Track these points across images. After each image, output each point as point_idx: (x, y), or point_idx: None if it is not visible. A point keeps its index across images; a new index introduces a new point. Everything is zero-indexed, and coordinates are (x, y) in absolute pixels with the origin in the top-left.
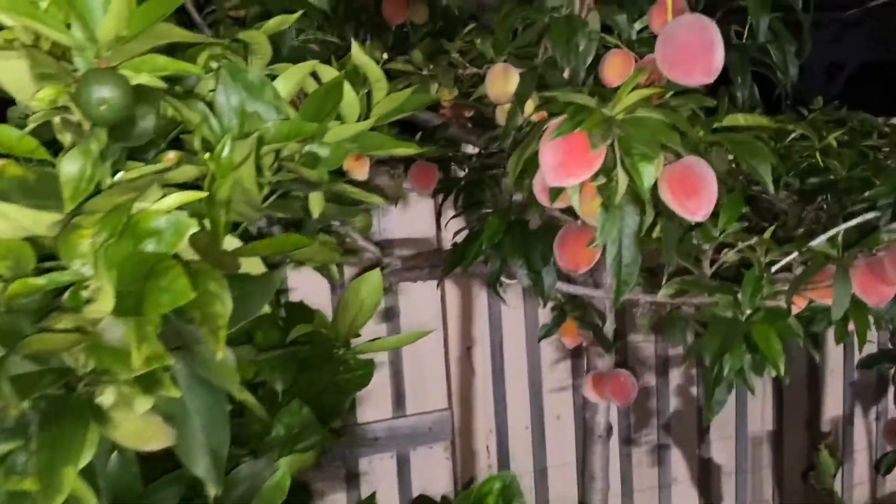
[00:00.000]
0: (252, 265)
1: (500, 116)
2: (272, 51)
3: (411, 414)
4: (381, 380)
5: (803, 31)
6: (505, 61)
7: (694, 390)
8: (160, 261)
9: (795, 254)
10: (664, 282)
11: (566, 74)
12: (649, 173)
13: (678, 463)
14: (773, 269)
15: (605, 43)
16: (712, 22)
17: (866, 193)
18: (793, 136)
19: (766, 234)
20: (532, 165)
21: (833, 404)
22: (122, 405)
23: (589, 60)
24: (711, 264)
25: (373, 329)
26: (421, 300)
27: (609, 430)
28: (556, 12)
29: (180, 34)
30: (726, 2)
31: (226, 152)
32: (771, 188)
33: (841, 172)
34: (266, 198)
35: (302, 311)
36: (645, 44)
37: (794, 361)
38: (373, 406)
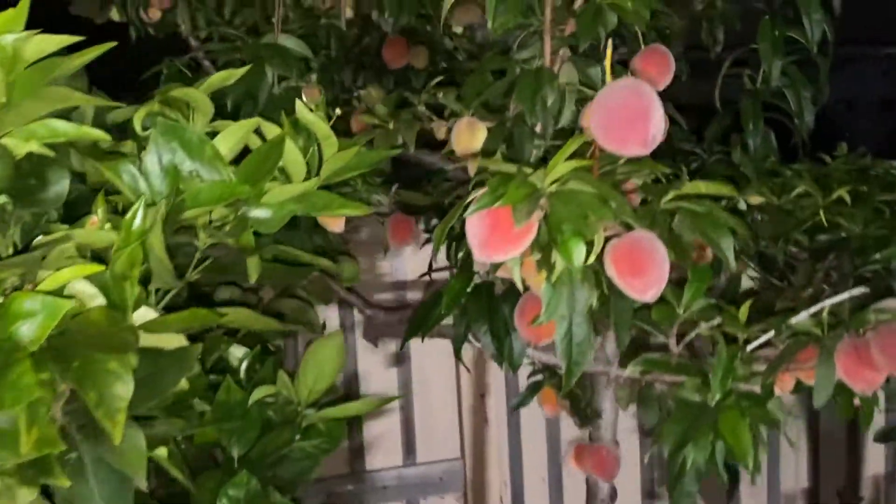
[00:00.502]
0: (171, 339)
1: (471, 170)
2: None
3: (422, 462)
4: (391, 426)
5: (820, 75)
6: (473, 115)
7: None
8: (11, 352)
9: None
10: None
11: (538, 129)
12: (579, 252)
13: None
14: (751, 346)
15: (584, 96)
16: (649, 87)
17: (877, 255)
18: (797, 191)
19: (742, 312)
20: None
21: (874, 461)
22: (2, 496)
23: (562, 114)
24: (683, 337)
25: (384, 374)
26: (432, 344)
27: (613, 494)
28: (528, 64)
29: (78, 98)
30: (738, 45)
31: (137, 220)
32: (732, 263)
33: (854, 229)
34: (202, 261)
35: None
36: None
37: (833, 414)
38: (382, 453)
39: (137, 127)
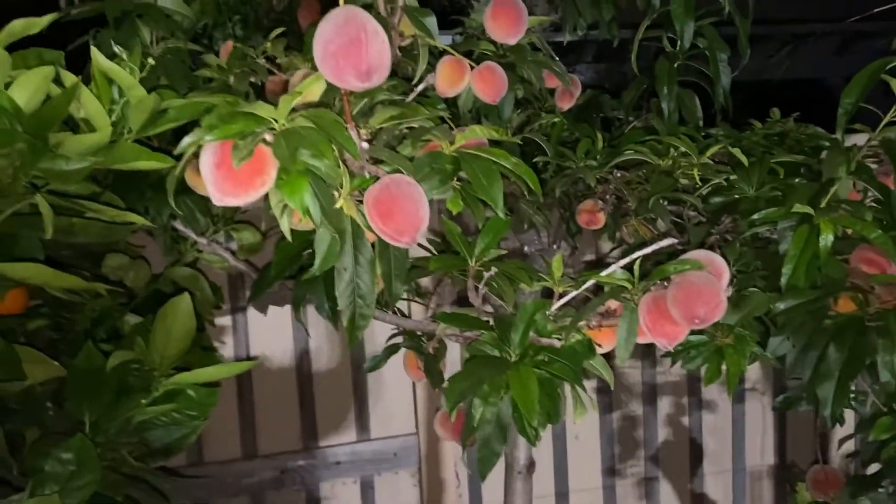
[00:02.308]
0: None
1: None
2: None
3: (376, 438)
4: (343, 402)
5: (739, 40)
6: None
7: (686, 420)
8: None
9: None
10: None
11: None
12: (307, 195)
13: (668, 497)
14: (559, 302)
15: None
16: (363, 12)
17: (758, 214)
18: (674, 153)
19: (555, 264)
20: None
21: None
22: None
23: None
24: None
25: (335, 349)
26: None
27: (531, 465)
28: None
29: None
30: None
31: None
32: (500, 212)
33: (746, 190)
34: None
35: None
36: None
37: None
38: (335, 429)
39: None
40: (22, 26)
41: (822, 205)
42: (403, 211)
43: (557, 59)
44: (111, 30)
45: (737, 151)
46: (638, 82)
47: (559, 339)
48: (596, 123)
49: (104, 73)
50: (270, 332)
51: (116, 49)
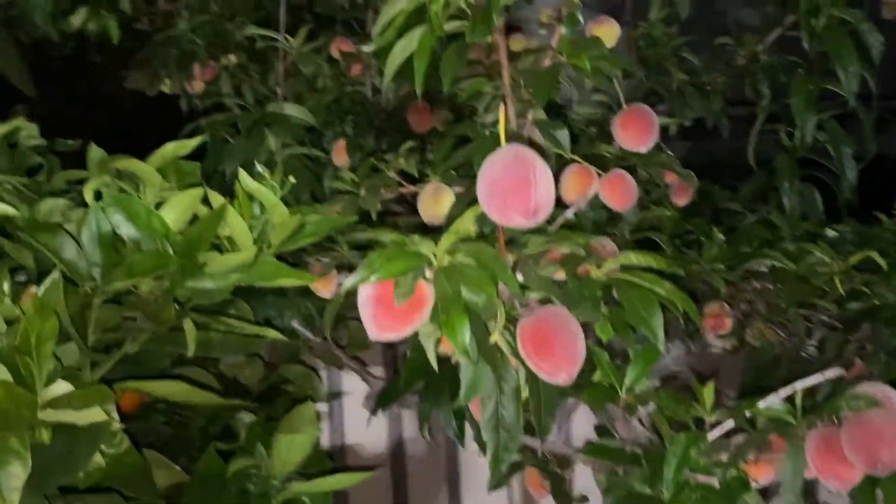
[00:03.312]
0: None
1: None
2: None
3: None
4: (437, 494)
5: (864, 129)
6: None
7: None
8: None
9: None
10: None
11: None
12: (463, 332)
13: None
14: (714, 433)
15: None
16: (533, 155)
17: None
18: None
19: (706, 393)
20: None
21: None
22: None
23: None
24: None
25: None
26: None
27: None
28: (494, 128)
29: None
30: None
31: (40, 292)
32: (661, 343)
33: (888, 297)
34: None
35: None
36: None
37: None
38: None
39: (88, 198)
40: (173, 149)
41: None
42: (560, 346)
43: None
44: (242, 138)
45: (875, 254)
46: (757, 176)
47: (714, 476)
48: (707, 216)
49: (249, 192)
50: (365, 419)
51: (259, 168)
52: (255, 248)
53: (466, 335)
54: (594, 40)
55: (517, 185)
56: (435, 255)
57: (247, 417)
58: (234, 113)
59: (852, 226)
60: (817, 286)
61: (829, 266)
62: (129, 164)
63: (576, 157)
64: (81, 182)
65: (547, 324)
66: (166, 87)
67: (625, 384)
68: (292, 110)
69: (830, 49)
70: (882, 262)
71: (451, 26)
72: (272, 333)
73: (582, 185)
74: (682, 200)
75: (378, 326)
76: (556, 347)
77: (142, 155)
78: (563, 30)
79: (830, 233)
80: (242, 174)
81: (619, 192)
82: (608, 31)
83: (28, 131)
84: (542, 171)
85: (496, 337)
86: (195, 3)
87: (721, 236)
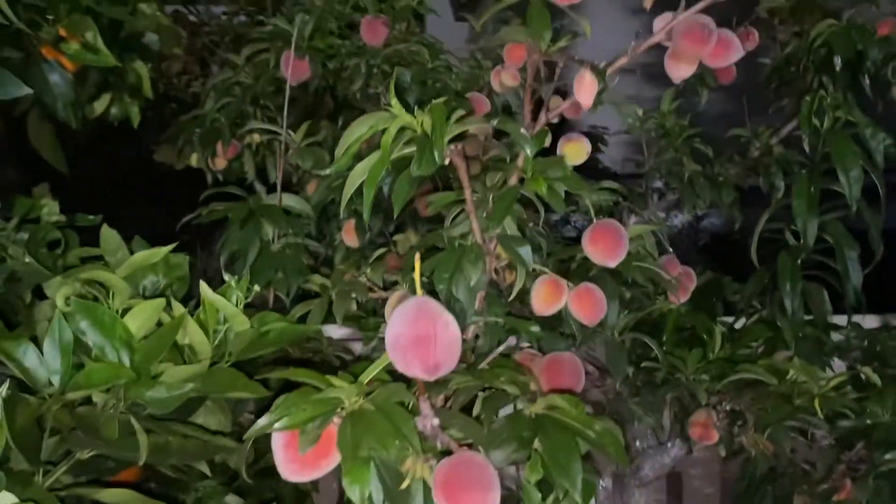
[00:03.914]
0: None
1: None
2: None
3: None
4: None
5: (870, 232)
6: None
7: None
8: None
9: None
10: None
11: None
12: (364, 482)
13: None
14: None
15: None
16: (436, 305)
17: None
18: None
19: None
20: None
21: None
22: None
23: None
24: None
25: None
26: None
27: None
28: (464, 240)
29: None
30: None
31: None
32: (579, 496)
33: (880, 416)
34: None
35: None
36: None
37: None
38: None
39: (60, 303)
40: (143, 258)
41: None
42: (470, 500)
43: (672, 251)
44: (236, 228)
45: (868, 371)
46: (759, 275)
47: None
48: (717, 308)
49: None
50: None
51: (226, 276)
52: (210, 359)
53: (366, 488)
54: (558, 161)
55: (417, 341)
56: (346, 400)
57: (233, 500)
58: (228, 203)
59: (857, 330)
60: (801, 405)
61: (810, 385)
62: (96, 274)
63: (545, 270)
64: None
65: (458, 473)
66: (192, 161)
67: None
68: (291, 201)
69: (832, 152)
70: (875, 377)
71: (408, 151)
72: (227, 443)
73: (552, 297)
74: (679, 298)
75: (288, 470)
76: (469, 497)
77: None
78: (527, 150)
79: (836, 337)
80: (204, 287)
81: (588, 306)
82: (576, 149)
83: (49, 208)
84: (445, 327)
85: (408, 483)
86: (220, 86)
87: (720, 335)
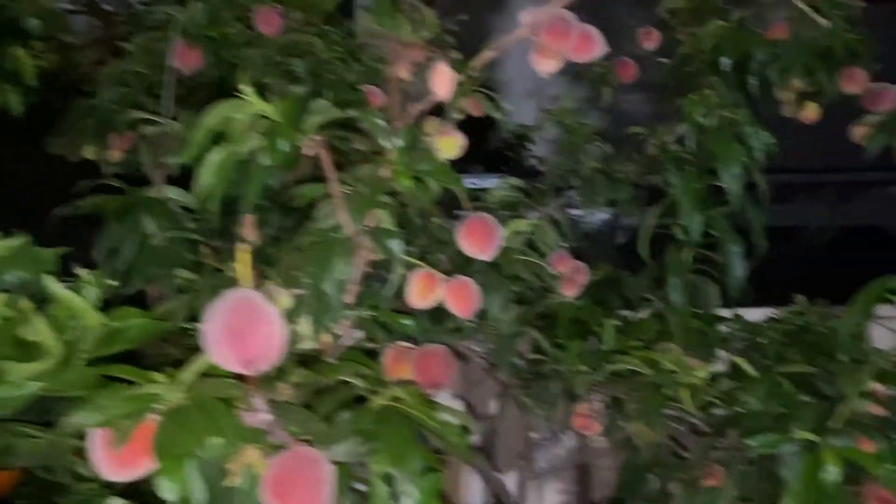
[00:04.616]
0: None
1: None
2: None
3: None
4: None
5: (752, 228)
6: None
7: None
8: None
9: None
10: None
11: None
12: (173, 486)
13: None
14: None
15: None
16: (262, 300)
17: (755, 440)
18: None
19: None
20: None
21: None
22: None
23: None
24: None
25: None
26: None
27: None
28: (336, 233)
29: None
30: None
31: None
32: (412, 499)
33: (751, 404)
34: None
35: None
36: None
37: None
38: None
39: None
40: None
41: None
42: (299, 497)
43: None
44: (112, 223)
45: (742, 361)
46: (650, 269)
47: None
48: (615, 302)
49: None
50: None
51: (77, 271)
52: (62, 357)
53: (184, 487)
54: (427, 155)
55: (231, 335)
56: (165, 396)
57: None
58: (106, 195)
59: (740, 322)
60: (670, 395)
61: (682, 376)
62: None
63: (419, 263)
64: None
65: (288, 471)
66: (89, 153)
67: None
68: (174, 193)
69: (715, 150)
70: (750, 368)
71: (258, 143)
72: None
73: (426, 290)
74: (571, 292)
75: (107, 470)
76: (299, 494)
77: None
78: (398, 141)
79: (723, 329)
80: (48, 280)
81: (462, 299)
82: (450, 143)
83: None
84: (263, 320)
85: (234, 480)
86: (114, 74)
87: (611, 328)
